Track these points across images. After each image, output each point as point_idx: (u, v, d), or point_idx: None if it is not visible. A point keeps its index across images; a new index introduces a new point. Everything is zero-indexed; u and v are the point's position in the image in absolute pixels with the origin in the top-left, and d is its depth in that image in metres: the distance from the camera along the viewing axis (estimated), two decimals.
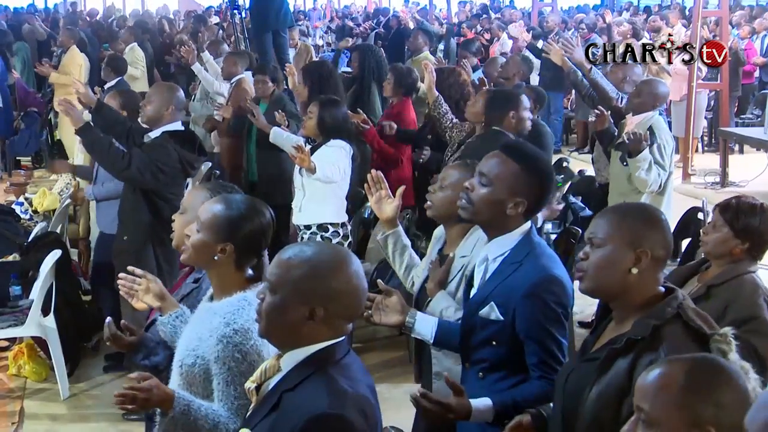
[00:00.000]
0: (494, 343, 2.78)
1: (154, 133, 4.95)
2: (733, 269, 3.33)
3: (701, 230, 3.56)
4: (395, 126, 6.27)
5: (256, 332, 2.46)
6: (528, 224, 2.84)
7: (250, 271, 2.69)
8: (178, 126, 5.01)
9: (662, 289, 2.33)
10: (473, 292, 2.91)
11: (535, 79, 11.33)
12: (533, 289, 2.70)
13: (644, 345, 2.20)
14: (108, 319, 2.93)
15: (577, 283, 2.47)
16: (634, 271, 2.28)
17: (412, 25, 16.05)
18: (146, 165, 4.83)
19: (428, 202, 3.39)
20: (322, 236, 5.20)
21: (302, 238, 5.22)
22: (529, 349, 2.73)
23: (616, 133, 5.74)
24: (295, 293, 2.09)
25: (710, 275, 3.41)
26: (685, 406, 1.75)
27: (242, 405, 2.47)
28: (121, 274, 2.97)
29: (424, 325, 2.99)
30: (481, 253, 2.91)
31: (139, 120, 5.25)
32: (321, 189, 5.18)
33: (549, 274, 2.74)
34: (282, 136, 5.83)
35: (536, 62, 12.22)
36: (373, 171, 3.66)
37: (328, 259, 2.12)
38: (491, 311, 2.76)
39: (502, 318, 2.75)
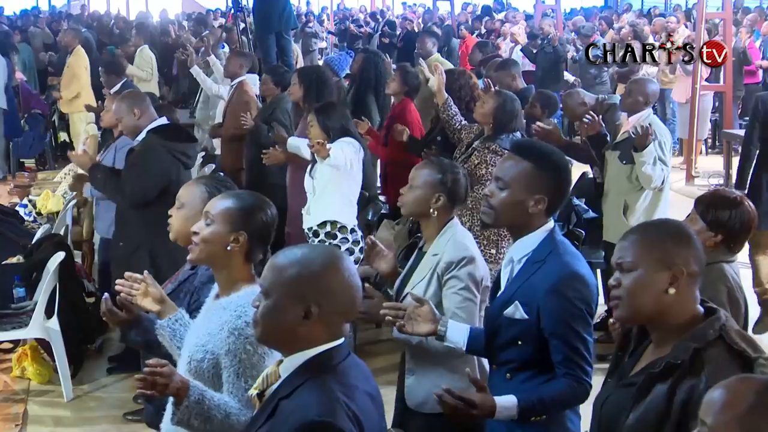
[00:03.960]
0: (520, 342, 2.81)
1: (141, 134, 4.97)
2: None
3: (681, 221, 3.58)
4: (407, 132, 6.23)
5: None
6: (551, 223, 2.86)
7: (252, 269, 2.73)
8: (160, 122, 5.00)
9: (702, 309, 2.24)
10: (500, 293, 2.93)
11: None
12: (556, 286, 2.72)
13: (684, 369, 2.12)
14: (105, 295, 2.96)
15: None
16: (671, 291, 2.19)
17: (417, 29, 16.08)
18: (135, 179, 4.82)
19: (401, 202, 3.47)
20: (330, 243, 5.17)
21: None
22: (554, 347, 2.75)
23: (608, 137, 5.82)
24: (288, 293, 2.09)
25: None
26: (748, 426, 1.69)
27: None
28: (119, 280, 2.98)
29: (456, 333, 3.00)
30: (507, 255, 2.95)
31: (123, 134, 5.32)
32: (329, 186, 5.18)
33: (571, 271, 2.75)
34: (297, 143, 5.80)
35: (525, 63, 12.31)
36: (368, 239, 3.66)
37: (318, 258, 2.13)
38: (516, 310, 2.79)
39: (526, 317, 2.77)
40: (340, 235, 5.24)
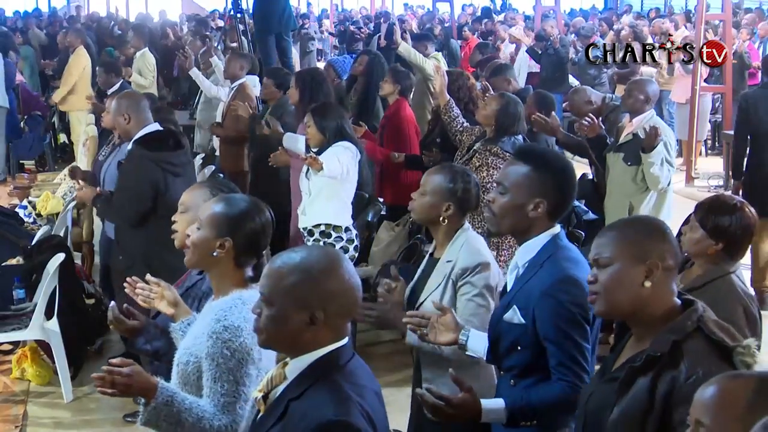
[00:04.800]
0: (519, 347, 2.79)
1: (131, 144, 4.96)
2: (711, 272, 3.28)
3: (681, 229, 3.51)
4: (403, 155, 6.34)
5: (246, 330, 2.47)
6: (556, 228, 2.84)
7: (249, 272, 2.71)
8: (150, 128, 4.97)
9: (679, 301, 2.28)
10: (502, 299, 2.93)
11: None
12: (548, 290, 2.70)
13: (664, 361, 2.15)
14: (112, 303, 2.96)
15: None
16: (647, 284, 2.23)
17: (415, 29, 16.03)
18: (127, 201, 4.84)
19: (411, 208, 3.44)
20: (324, 242, 5.21)
21: (309, 243, 5.23)
22: (549, 352, 2.73)
23: (607, 139, 5.83)
24: (292, 301, 2.08)
25: (692, 275, 3.36)
26: (749, 424, 1.69)
27: (228, 402, 2.48)
28: (139, 284, 3.00)
29: (477, 342, 2.99)
30: (512, 261, 2.94)
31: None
32: (324, 190, 5.20)
33: (566, 275, 2.73)
34: (294, 140, 5.81)
35: (526, 64, 12.29)
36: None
37: (319, 262, 2.11)
38: (514, 315, 2.78)
39: (523, 321, 2.75)
40: (334, 234, 5.27)
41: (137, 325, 2.92)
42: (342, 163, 5.12)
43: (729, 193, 8.48)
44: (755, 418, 1.70)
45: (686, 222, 6.14)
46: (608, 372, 2.35)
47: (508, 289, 2.91)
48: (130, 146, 4.96)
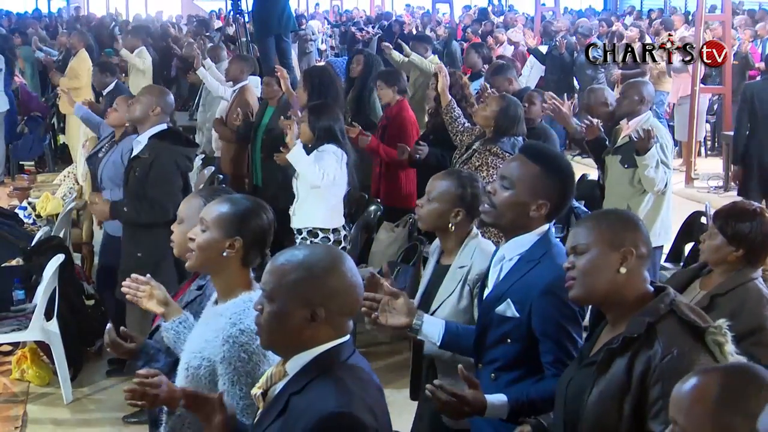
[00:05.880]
0: (509, 340, 2.80)
1: (142, 138, 4.95)
2: (736, 278, 3.28)
3: (700, 237, 3.52)
4: (407, 149, 6.27)
5: None
6: (546, 225, 2.86)
7: (252, 273, 2.71)
8: (162, 127, 4.98)
9: (651, 288, 2.37)
10: (487, 291, 2.92)
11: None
12: (550, 287, 2.71)
13: (640, 342, 2.24)
14: (108, 325, 2.93)
15: None
16: (623, 270, 2.33)
17: (415, 31, 16.01)
18: (164, 194, 4.81)
19: (418, 216, 3.41)
20: (311, 241, 5.29)
21: (297, 242, 5.29)
22: (545, 347, 2.74)
23: (606, 141, 5.81)
24: (294, 297, 2.09)
25: (712, 283, 3.36)
26: (718, 419, 1.74)
27: (247, 405, 2.48)
28: (125, 281, 2.98)
29: (432, 328, 2.99)
30: (498, 253, 2.93)
31: (125, 118, 5.35)
32: (311, 195, 5.27)
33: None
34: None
35: (539, 66, 12.25)
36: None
37: (321, 259, 2.13)
38: (507, 308, 2.78)
39: (518, 315, 2.76)
40: (321, 234, 5.37)
41: (134, 347, 2.90)
42: (327, 172, 5.14)
43: (732, 184, 8.79)
44: (724, 412, 1.74)
45: (687, 222, 6.18)
46: (586, 357, 2.43)
47: (490, 282, 2.91)
48: (145, 140, 4.92)
